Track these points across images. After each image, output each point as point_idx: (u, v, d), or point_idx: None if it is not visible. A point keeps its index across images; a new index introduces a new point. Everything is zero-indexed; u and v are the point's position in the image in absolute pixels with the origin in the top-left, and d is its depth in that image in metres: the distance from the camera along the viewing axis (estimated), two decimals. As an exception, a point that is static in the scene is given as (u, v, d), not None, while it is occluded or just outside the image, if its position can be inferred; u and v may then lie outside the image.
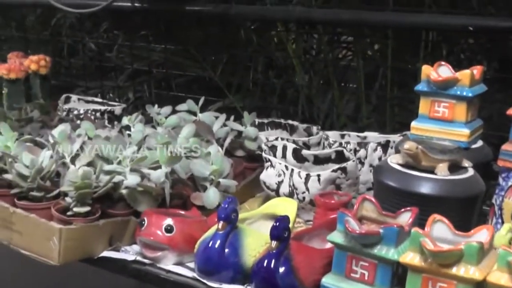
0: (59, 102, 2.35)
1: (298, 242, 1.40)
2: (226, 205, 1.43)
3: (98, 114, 2.24)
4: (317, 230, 1.51)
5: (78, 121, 2.09)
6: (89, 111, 2.23)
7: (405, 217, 1.32)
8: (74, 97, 2.43)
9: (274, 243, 1.33)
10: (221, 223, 1.43)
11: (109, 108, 2.28)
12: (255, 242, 1.45)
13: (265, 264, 1.33)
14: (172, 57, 2.57)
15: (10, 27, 3.08)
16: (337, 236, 1.30)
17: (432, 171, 1.44)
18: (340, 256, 1.31)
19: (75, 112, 2.24)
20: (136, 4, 2.39)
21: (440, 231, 1.25)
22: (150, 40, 2.65)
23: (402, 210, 1.34)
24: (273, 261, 1.33)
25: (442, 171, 1.43)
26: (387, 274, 1.26)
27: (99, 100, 2.42)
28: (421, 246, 1.18)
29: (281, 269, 1.32)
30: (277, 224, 1.33)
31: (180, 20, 2.50)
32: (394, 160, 1.50)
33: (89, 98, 2.44)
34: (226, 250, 1.42)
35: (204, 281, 1.43)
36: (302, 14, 2.12)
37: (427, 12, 2.06)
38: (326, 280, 1.32)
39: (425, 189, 1.41)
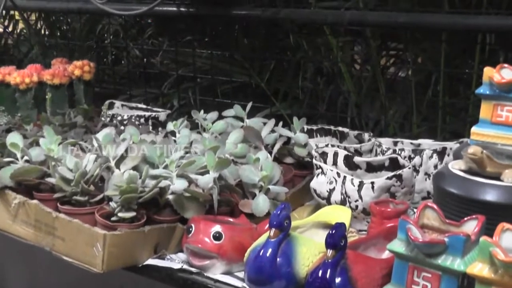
0: (102, 108, 2.29)
1: (356, 252, 1.31)
2: (279, 212, 1.34)
3: (142, 120, 2.17)
4: (373, 240, 1.42)
5: (122, 127, 2.02)
6: (133, 117, 2.17)
7: (471, 226, 1.22)
8: (117, 103, 2.38)
9: (330, 252, 1.24)
10: (273, 230, 1.34)
11: (154, 114, 2.21)
12: (309, 250, 1.36)
13: (320, 274, 1.24)
14: (218, 63, 2.50)
15: (55, 35, 3.04)
16: (397, 245, 1.21)
17: (497, 178, 1.33)
18: (400, 267, 1.21)
19: (119, 118, 2.18)
20: (181, 9, 2.34)
21: (510, 241, 1.15)
22: (195, 46, 2.57)
23: (467, 218, 1.24)
24: (329, 271, 1.23)
25: (509, 177, 1.32)
26: (453, 286, 1.16)
27: (143, 106, 2.35)
28: (491, 257, 1.08)
29: (338, 280, 1.23)
30: (333, 231, 1.24)
31: (227, 25, 2.43)
32: (456, 166, 1.40)
33: (133, 104, 2.38)
34: (278, 259, 1.33)
35: (255, 291, 1.35)
36: (355, 17, 2.04)
37: (484, 14, 1.96)
38: (385, 292, 1.23)
39: (490, 196, 1.31)
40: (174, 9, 2.35)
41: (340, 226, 1.25)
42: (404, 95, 2.27)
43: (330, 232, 1.24)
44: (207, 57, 2.54)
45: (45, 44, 3.05)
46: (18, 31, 3.32)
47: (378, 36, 2.30)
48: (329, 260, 1.23)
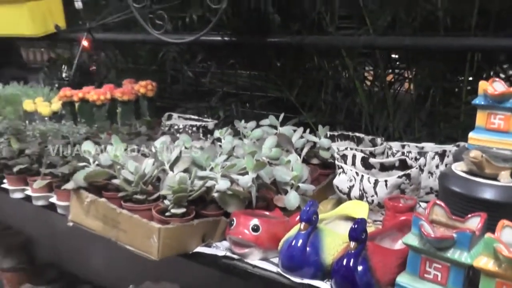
0: (162, 119, 2.19)
1: (375, 244, 1.17)
2: (308, 208, 1.23)
3: (194, 129, 2.06)
4: (387, 231, 1.28)
5: (178, 135, 1.91)
6: (187, 126, 2.06)
7: (474, 222, 1.08)
8: (175, 115, 2.27)
9: (353, 244, 1.11)
10: (303, 224, 1.22)
11: (204, 123, 2.10)
12: (334, 241, 1.23)
13: (344, 263, 1.11)
14: (255, 81, 2.41)
15: (127, 61, 2.95)
16: (412, 239, 1.07)
17: (495, 178, 1.19)
18: (414, 258, 1.08)
19: (175, 127, 2.07)
20: (225, 38, 2.25)
21: (510, 236, 1.01)
22: (237, 68, 2.49)
23: (471, 215, 1.10)
24: (352, 260, 1.11)
25: (505, 178, 1.18)
26: (460, 276, 1.02)
27: (196, 117, 2.24)
28: (495, 252, 0.94)
29: (359, 268, 1.10)
30: (356, 226, 1.11)
31: (262, 50, 2.34)
32: (458, 168, 1.26)
33: (187, 116, 2.26)
34: (308, 249, 1.21)
35: (288, 276, 1.23)
36: (367, 41, 1.92)
37: (473, 36, 1.83)
38: (401, 279, 1.09)
39: (489, 195, 1.16)
40: (219, 38, 2.26)
41: (361, 222, 1.12)
42: (407, 105, 2.15)
43: (353, 226, 1.11)
44: (247, 76, 2.46)
45: (118, 68, 2.96)
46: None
47: (385, 57, 2.17)
48: (352, 251, 1.11)
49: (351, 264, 1.10)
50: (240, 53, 2.45)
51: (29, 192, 1.73)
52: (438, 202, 1.13)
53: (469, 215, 1.10)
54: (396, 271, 1.11)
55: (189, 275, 1.85)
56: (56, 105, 2.34)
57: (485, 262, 0.97)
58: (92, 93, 2.21)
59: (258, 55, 2.39)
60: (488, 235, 0.98)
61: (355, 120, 2.20)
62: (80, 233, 1.52)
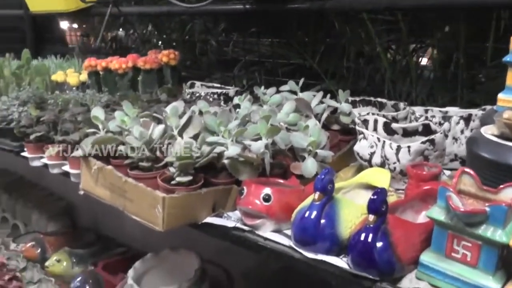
0: (184, 87, 1.98)
1: (396, 217, 0.95)
2: (323, 176, 1.00)
3: (215, 96, 1.85)
4: (410, 202, 1.05)
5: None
6: (208, 94, 1.85)
7: (508, 194, 0.84)
8: (197, 83, 2.06)
9: (371, 217, 0.89)
10: (317, 194, 1.00)
11: (224, 90, 1.88)
12: (351, 213, 1.01)
13: (362, 238, 0.89)
14: (278, 49, 2.21)
15: (158, 33, 2.76)
16: (437, 212, 0.84)
17: (531, 143, 0.95)
18: (440, 234, 0.85)
19: (197, 95, 1.85)
20: (246, 6, 2.01)
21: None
22: (259, 36, 2.28)
23: (504, 185, 0.86)
24: (370, 235, 0.88)
25: (544, 143, 0.93)
26: (493, 256, 0.80)
27: (218, 85, 2.03)
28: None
29: (379, 245, 0.88)
30: (375, 197, 0.89)
31: (284, 18, 2.12)
32: (489, 131, 1.02)
33: (210, 84, 2.05)
34: (322, 221, 0.99)
35: (300, 250, 1.01)
36: (389, 3, 1.67)
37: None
38: (425, 257, 0.87)
39: (525, 161, 0.92)
40: (241, 7, 2.03)
41: (381, 192, 0.90)
42: (430, 72, 1.92)
43: (372, 197, 0.89)
44: (269, 44, 2.25)
45: (151, 41, 2.78)
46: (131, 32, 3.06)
47: (407, 23, 1.92)
48: (371, 225, 0.89)
49: (369, 239, 0.88)
50: (262, 20, 2.23)
51: (45, 160, 1.55)
52: (467, 170, 0.90)
53: (502, 186, 0.86)
54: (419, 248, 0.89)
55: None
56: (84, 75, 2.20)
57: (525, 242, 0.74)
58: (114, 62, 2.04)
59: (280, 23, 2.17)
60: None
61: (378, 86, 1.97)
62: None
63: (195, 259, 1.49)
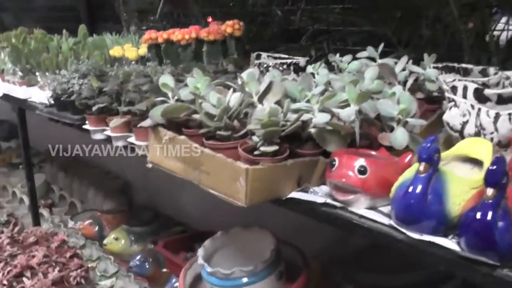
0: (251, 58, 1.85)
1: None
2: (429, 145, 0.87)
3: (285, 66, 1.70)
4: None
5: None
6: (277, 64, 1.71)
7: None
8: (264, 54, 1.92)
9: (490, 191, 0.75)
10: (423, 164, 0.86)
11: (294, 60, 1.73)
12: (460, 187, 0.86)
13: (479, 217, 0.75)
14: (348, 17, 2.03)
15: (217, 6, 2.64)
16: None
17: None
18: None
19: (265, 65, 1.72)
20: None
21: None
22: (328, 2, 2.11)
23: None
24: (490, 213, 0.74)
25: None
26: None
27: (286, 56, 1.88)
28: None
29: (500, 224, 0.74)
30: (494, 167, 0.74)
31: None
32: None
33: (277, 55, 1.91)
34: (429, 197, 0.85)
35: (403, 230, 0.87)
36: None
37: None
38: None
39: None
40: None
41: (500, 161, 0.75)
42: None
43: (490, 168, 0.75)
44: (339, 12, 2.08)
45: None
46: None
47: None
48: (490, 201, 0.74)
49: (488, 217, 0.74)
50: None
51: (108, 132, 1.45)
52: None
53: None
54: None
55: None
56: (143, 49, 2.12)
57: None
58: (176, 33, 1.94)
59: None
60: None
61: (457, 54, 1.79)
62: (174, 176, 1.21)
63: (270, 238, 1.37)
